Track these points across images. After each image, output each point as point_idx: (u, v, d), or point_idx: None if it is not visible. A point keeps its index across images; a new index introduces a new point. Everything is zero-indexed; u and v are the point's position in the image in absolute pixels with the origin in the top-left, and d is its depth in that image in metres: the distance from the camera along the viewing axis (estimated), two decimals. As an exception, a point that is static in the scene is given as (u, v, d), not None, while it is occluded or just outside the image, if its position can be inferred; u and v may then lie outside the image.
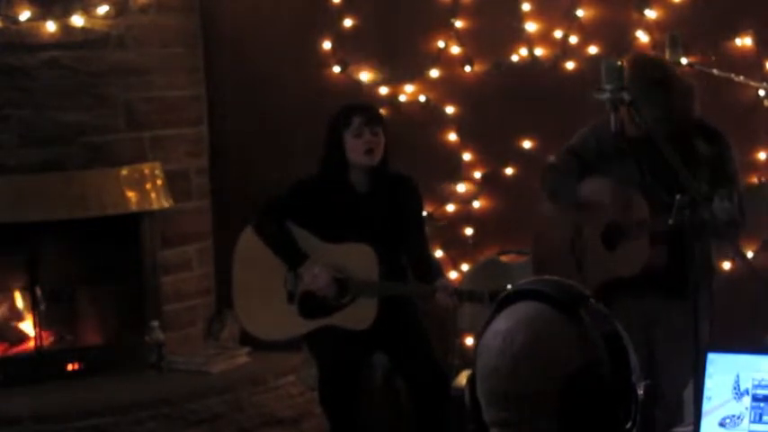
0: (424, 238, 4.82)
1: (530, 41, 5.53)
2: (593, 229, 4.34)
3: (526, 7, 5.51)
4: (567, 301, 1.70)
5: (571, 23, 5.46)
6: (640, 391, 1.69)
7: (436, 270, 4.74)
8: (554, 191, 4.44)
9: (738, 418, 2.63)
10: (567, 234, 4.41)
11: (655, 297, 4.23)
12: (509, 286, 1.72)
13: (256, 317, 4.74)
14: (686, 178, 3.50)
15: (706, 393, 2.66)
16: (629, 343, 1.71)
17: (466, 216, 5.71)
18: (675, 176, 3.57)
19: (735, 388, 2.64)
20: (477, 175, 5.68)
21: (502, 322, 1.71)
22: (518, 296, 1.73)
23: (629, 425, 1.68)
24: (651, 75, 4.11)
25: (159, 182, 5.60)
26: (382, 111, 5.67)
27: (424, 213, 5.41)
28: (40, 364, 5.54)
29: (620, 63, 3.60)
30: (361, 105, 4.78)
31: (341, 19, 5.79)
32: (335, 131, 4.59)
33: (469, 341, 5.39)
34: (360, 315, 4.56)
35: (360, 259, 4.55)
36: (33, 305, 5.58)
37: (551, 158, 4.50)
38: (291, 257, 4.61)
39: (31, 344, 5.62)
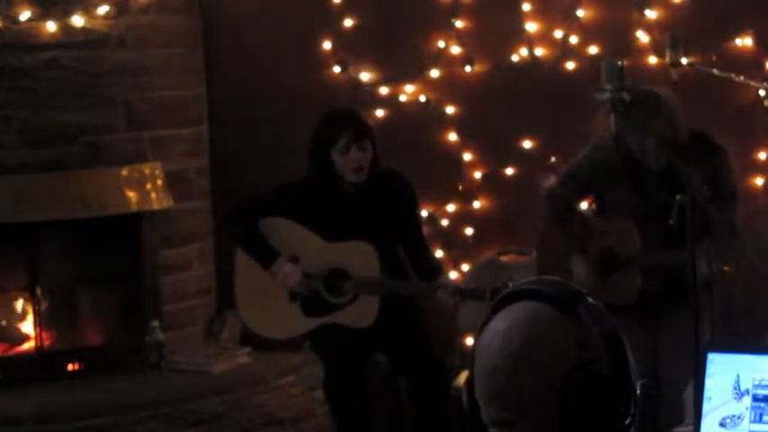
0: (420, 232, 4.78)
1: (530, 41, 5.52)
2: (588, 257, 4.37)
3: (526, 7, 5.50)
4: (564, 300, 1.70)
5: (571, 23, 5.46)
6: (638, 389, 1.70)
7: (436, 266, 4.74)
8: (560, 219, 4.46)
9: (738, 418, 2.62)
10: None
11: (653, 315, 4.27)
12: (510, 283, 1.72)
13: (259, 315, 4.73)
14: (687, 178, 3.52)
15: (706, 393, 2.65)
16: (627, 341, 1.71)
17: (466, 216, 5.70)
18: (671, 199, 3.60)
19: (735, 388, 2.63)
20: (478, 175, 5.68)
21: (500, 322, 1.72)
22: (515, 296, 1.73)
23: (627, 421, 1.68)
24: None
25: (159, 182, 5.60)
26: (381, 111, 5.69)
27: (425, 213, 5.42)
28: (41, 364, 5.53)
29: (620, 63, 3.61)
30: (345, 119, 4.60)
31: (341, 19, 5.78)
32: (321, 148, 4.51)
33: (470, 341, 5.38)
34: (361, 313, 4.56)
35: (360, 257, 4.54)
36: (33, 305, 5.58)
37: (552, 183, 4.50)
38: (263, 258, 4.59)
39: (32, 344, 5.61)
